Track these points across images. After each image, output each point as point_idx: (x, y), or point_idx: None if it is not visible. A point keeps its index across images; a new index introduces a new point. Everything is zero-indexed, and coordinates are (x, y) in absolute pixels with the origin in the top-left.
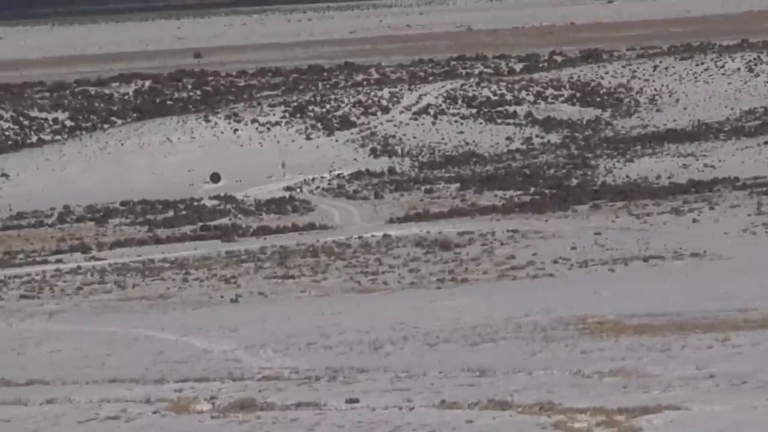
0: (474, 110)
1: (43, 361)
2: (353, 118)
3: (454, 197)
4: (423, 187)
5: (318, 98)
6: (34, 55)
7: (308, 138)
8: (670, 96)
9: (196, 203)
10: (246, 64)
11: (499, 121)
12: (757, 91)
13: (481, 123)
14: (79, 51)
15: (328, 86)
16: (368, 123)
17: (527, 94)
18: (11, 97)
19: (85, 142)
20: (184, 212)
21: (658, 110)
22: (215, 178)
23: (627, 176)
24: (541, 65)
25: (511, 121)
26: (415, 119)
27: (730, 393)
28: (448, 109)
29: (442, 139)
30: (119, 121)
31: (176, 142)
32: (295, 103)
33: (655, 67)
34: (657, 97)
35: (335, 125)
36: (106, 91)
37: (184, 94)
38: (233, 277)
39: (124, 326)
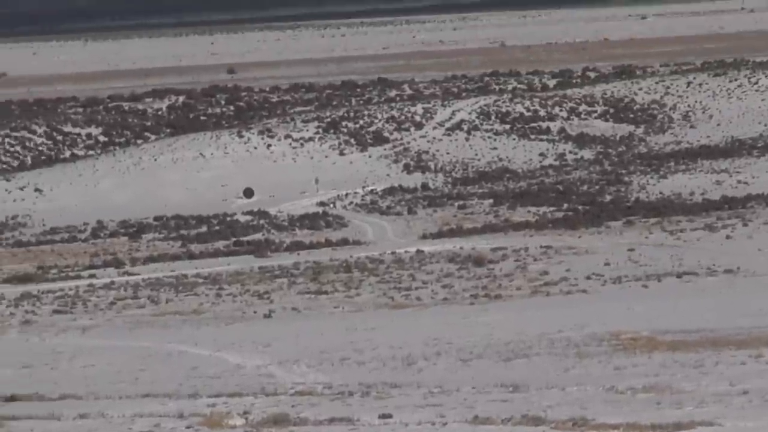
0: (507, 126)
1: (76, 376)
2: (386, 134)
3: (487, 213)
4: (456, 203)
5: (351, 114)
6: (68, 70)
7: (341, 154)
8: (703, 112)
9: (229, 219)
10: (279, 80)
11: (532, 137)
12: None
13: (514, 139)
14: (113, 66)
15: (361, 102)
16: (401, 139)
17: (560, 110)
18: (45, 113)
19: (118, 157)
20: (217, 227)
21: (691, 126)
22: (248, 193)
23: (660, 192)
24: (574, 81)
25: (545, 137)
26: (449, 135)
27: (763, 409)
28: (482, 125)
29: (476, 155)
30: (153, 137)
31: (209, 158)
32: (329, 119)
33: (689, 83)
34: (690, 114)
35: (368, 141)
36: (140, 106)
37: (218, 110)
38: (266, 293)
39: (157, 341)
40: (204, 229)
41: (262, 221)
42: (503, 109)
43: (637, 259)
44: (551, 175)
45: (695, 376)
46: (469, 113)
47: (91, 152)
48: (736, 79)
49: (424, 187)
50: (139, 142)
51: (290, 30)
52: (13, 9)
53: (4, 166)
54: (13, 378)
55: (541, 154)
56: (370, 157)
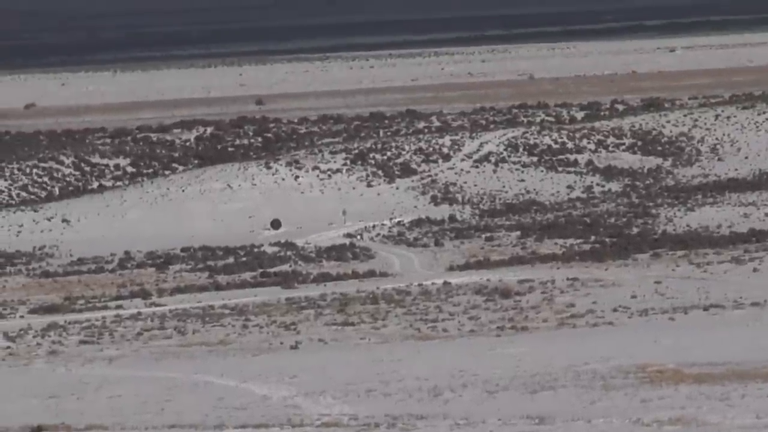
0: (535, 158)
1: (102, 407)
2: (414, 166)
3: (514, 245)
4: (483, 235)
5: (379, 145)
6: (97, 101)
7: (369, 185)
8: (731, 145)
9: (256, 250)
10: (308, 111)
11: (560, 169)
12: None
13: (542, 171)
14: (141, 97)
15: (389, 133)
16: (429, 170)
17: (588, 143)
18: (73, 143)
19: (146, 188)
20: (244, 259)
21: (719, 159)
22: (276, 224)
23: (688, 225)
24: (602, 114)
25: (572, 169)
26: (476, 167)
27: None
28: (510, 157)
29: (503, 186)
30: (180, 168)
31: (237, 189)
32: (356, 151)
33: (717, 116)
34: (718, 146)
35: (396, 173)
36: (168, 137)
37: (246, 141)
38: (293, 324)
39: (183, 372)
40: (231, 260)
41: (289, 253)
42: (531, 142)
43: (664, 292)
44: (578, 208)
45: (721, 408)
46: (497, 145)
47: (118, 183)
48: (764, 112)
49: (452, 219)
50: (166, 173)
51: (319, 61)
52: (42, 40)
53: (32, 196)
54: (39, 408)
55: (568, 187)
56: (397, 188)
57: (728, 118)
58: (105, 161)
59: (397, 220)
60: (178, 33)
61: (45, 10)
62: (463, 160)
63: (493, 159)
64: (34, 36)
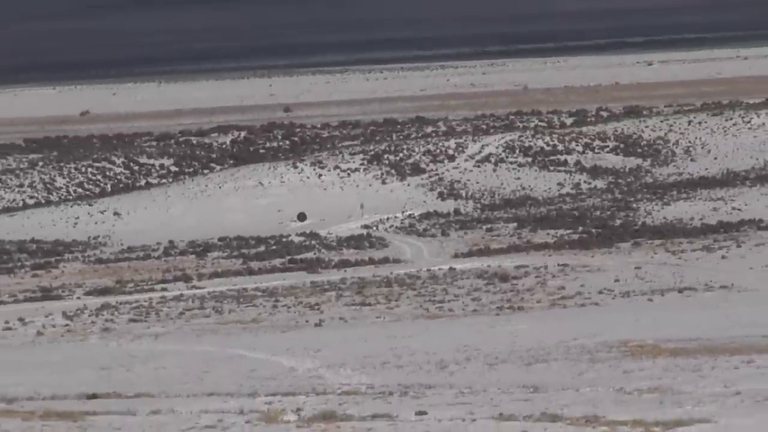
0: (530, 159)
1: (149, 377)
2: (423, 165)
3: (511, 235)
4: (484, 226)
5: (392, 148)
6: (144, 108)
7: (383, 183)
8: (702, 147)
9: (284, 239)
10: (329, 118)
11: (551, 168)
12: None
13: (535, 170)
14: (183, 105)
15: (401, 137)
16: (436, 170)
17: (576, 145)
18: (123, 146)
19: (187, 185)
20: (274, 247)
21: (692, 160)
22: (302, 217)
23: (664, 218)
24: (588, 120)
25: (562, 168)
26: (478, 166)
27: (754, 408)
28: (507, 157)
29: (501, 184)
30: (218, 167)
31: (267, 186)
32: (372, 152)
33: (690, 121)
34: (691, 149)
35: (407, 171)
36: (206, 140)
37: (275, 144)
38: (317, 304)
39: (220, 347)
40: (262, 248)
41: (313, 242)
42: (526, 144)
43: (643, 276)
44: (568, 202)
45: (694, 379)
46: (496, 147)
47: (163, 181)
48: (731, 119)
49: (456, 212)
50: (205, 171)
51: (339, 74)
52: (95, 56)
53: (87, 192)
54: (93, 378)
55: (559, 184)
56: (408, 185)
57: (699, 123)
58: (151, 161)
59: (408, 213)
60: (214, 48)
61: (97, 30)
62: (466, 160)
63: (492, 159)
64: (88, 52)
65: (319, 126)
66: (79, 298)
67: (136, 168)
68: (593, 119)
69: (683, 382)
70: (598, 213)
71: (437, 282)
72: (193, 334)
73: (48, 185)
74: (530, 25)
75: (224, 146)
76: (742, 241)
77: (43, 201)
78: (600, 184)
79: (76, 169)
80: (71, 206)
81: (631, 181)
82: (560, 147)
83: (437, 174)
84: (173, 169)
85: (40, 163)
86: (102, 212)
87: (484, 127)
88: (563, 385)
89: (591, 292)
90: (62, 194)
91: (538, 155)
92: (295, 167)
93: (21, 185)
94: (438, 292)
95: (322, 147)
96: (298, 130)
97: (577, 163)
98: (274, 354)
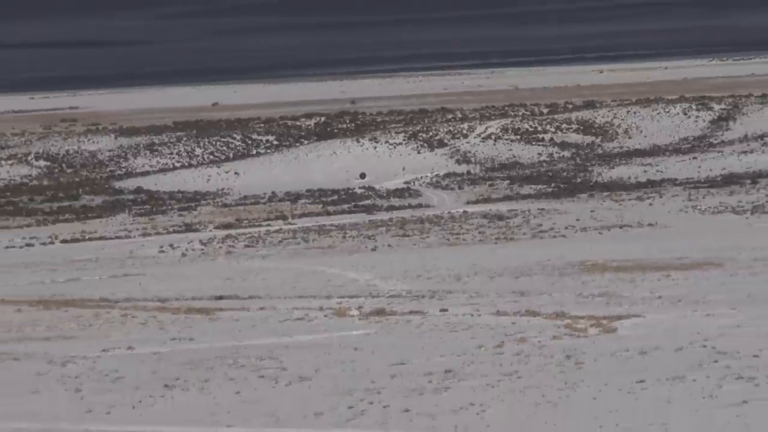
0: (518, 137)
1: (258, 284)
2: (445, 141)
3: (505, 189)
4: (487, 183)
5: (424, 129)
6: (255, 101)
7: (419, 152)
8: (636, 129)
9: (350, 191)
10: (381, 108)
11: (533, 143)
12: (689, 127)
13: (522, 144)
14: (281, 99)
15: (430, 121)
16: (455, 144)
17: (550, 127)
18: (241, 127)
19: (284, 154)
20: (343, 196)
21: (629, 137)
22: (362, 176)
23: (610, 177)
24: (559, 110)
25: (540, 143)
26: (483, 142)
27: (670, 308)
28: (503, 136)
29: (499, 154)
30: (305, 142)
31: (339, 155)
32: (411, 132)
33: (628, 111)
34: (629, 130)
35: (435, 145)
36: (297, 123)
37: (344, 126)
38: (373, 236)
39: (307, 264)
40: (335, 197)
41: (370, 193)
42: (516, 127)
43: (596, 217)
44: (544, 166)
45: (629, 287)
46: (496, 129)
47: (268, 151)
48: (656, 109)
49: (468, 173)
50: (297, 145)
51: (388, 78)
52: (223, 65)
53: (216, 158)
54: (220, 286)
55: (538, 154)
56: (435, 155)
57: (635, 113)
58: (260, 137)
59: (435, 173)
60: (302, 60)
61: (221, 48)
62: (475, 137)
63: (493, 137)
64: (216, 62)
65: (374, 113)
66: (210, 230)
67: (250, 142)
68: (562, 109)
69: (622, 290)
70: (564, 174)
71: (455, 221)
72: (288, 255)
73: (189, 153)
74: (519, 45)
75: (309, 127)
76: (663, 193)
77: (186, 164)
78: (566, 154)
79: (208, 142)
80: (205, 168)
81: (587, 152)
82: (539, 128)
83: (455, 147)
84: (275, 143)
85: (184, 138)
86: (226, 172)
87: (488, 114)
88: (540, 291)
89: (560, 228)
90: (199, 159)
91: (524, 134)
92: (358, 142)
93: (171, 153)
94: (455, 227)
95: (377, 128)
96: (360, 116)
97: (551, 139)
98: (344, 269)
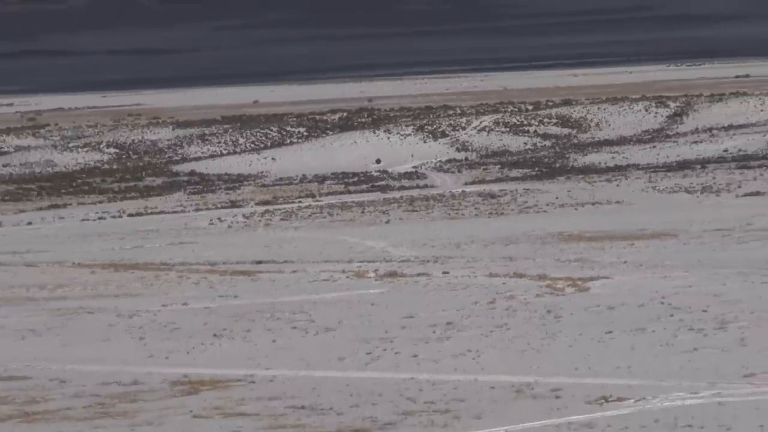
0: (508, 129)
1: (291, 251)
2: (447, 132)
3: (497, 172)
4: (481, 167)
5: (429, 122)
6: (289, 99)
7: (424, 142)
8: (606, 123)
9: (368, 174)
10: (394, 105)
11: (520, 134)
12: (650, 121)
13: (511, 134)
14: (310, 98)
15: (434, 116)
16: (455, 135)
17: (534, 121)
18: (277, 120)
19: (313, 143)
20: (362, 178)
21: (600, 129)
22: (378, 161)
23: (584, 163)
24: (542, 106)
25: (526, 134)
26: (478, 133)
27: (633, 271)
28: (495, 128)
29: (491, 143)
30: (331, 133)
31: (359, 144)
32: (418, 125)
33: (599, 108)
34: (600, 123)
35: (438, 136)
36: (324, 117)
37: (363, 120)
38: (386, 210)
39: (331, 234)
40: (355, 179)
41: (384, 175)
42: (506, 120)
43: (572, 196)
44: (529, 153)
45: (600, 254)
46: (489, 122)
47: (299, 140)
48: (622, 107)
49: (466, 159)
50: (323, 135)
51: (399, 80)
52: (263, 69)
53: (256, 146)
54: (260, 252)
55: (524, 143)
56: (438, 144)
57: (605, 109)
58: (293, 129)
59: (438, 159)
60: (330, 65)
61: (264, 55)
62: (472, 129)
63: (486, 129)
64: (258, 66)
65: (388, 110)
66: (251, 206)
67: (284, 133)
68: (544, 106)
69: (594, 256)
70: (546, 160)
71: (454, 198)
72: (315, 227)
73: (234, 142)
74: (509, 53)
75: (334, 121)
76: (628, 176)
77: (231, 151)
78: (547, 143)
79: (250, 133)
80: (247, 154)
81: (565, 142)
82: (525, 122)
83: (455, 137)
84: (305, 133)
85: (230, 130)
86: (265, 158)
87: (482, 110)
88: (526, 256)
89: (542, 204)
90: (242, 147)
91: (513, 127)
92: (374, 133)
93: (219, 142)
94: (455, 204)
95: (390, 121)
96: (376, 112)
97: (535, 131)
98: (362, 238)
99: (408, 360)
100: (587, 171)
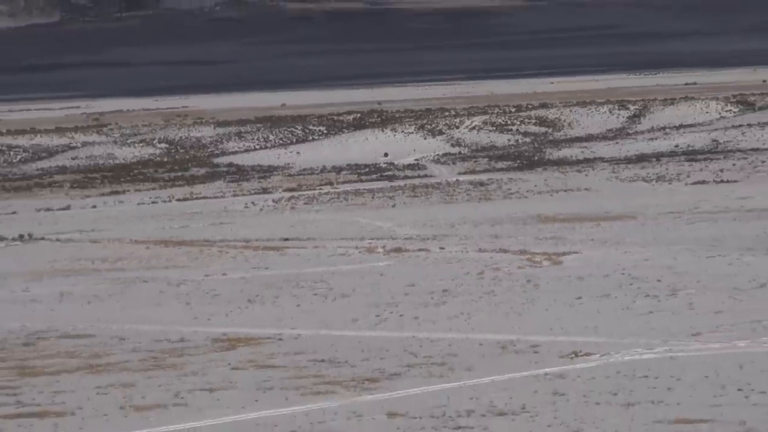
0: (495, 128)
1: (313, 230)
2: (444, 131)
3: (486, 164)
4: (473, 160)
5: (429, 122)
6: (311, 102)
7: (425, 138)
8: (577, 122)
9: (377, 165)
10: (399, 107)
11: (505, 132)
12: (613, 121)
13: (498, 133)
14: (328, 102)
15: (433, 117)
16: (450, 133)
17: (517, 121)
18: (301, 120)
19: (331, 140)
20: (372, 169)
21: (572, 128)
22: (386, 155)
23: (558, 156)
24: (523, 109)
25: (510, 132)
26: (470, 131)
27: (601, 247)
28: (483, 127)
29: (481, 140)
30: (346, 131)
31: (370, 140)
32: (420, 124)
33: (571, 110)
34: (572, 123)
35: (436, 133)
36: (341, 118)
37: (373, 120)
38: (392, 196)
39: (347, 217)
40: (366, 170)
41: (391, 167)
42: (493, 121)
43: (549, 184)
44: (513, 148)
45: (572, 232)
46: (479, 122)
47: (320, 137)
48: (591, 109)
49: (459, 153)
50: (340, 133)
51: (404, 87)
52: (286, 77)
53: (283, 142)
54: (286, 231)
55: (508, 139)
56: (436, 140)
57: (576, 111)
58: (314, 128)
59: (436, 153)
60: (345, 74)
61: (293, 66)
62: (464, 128)
63: (477, 128)
64: (284, 75)
65: (394, 111)
66: (279, 192)
67: (307, 131)
68: (525, 109)
69: (566, 234)
70: (526, 153)
71: (450, 186)
72: (334, 210)
73: (265, 139)
74: (497, 63)
75: (349, 121)
76: (594, 167)
77: (263, 146)
78: (527, 140)
79: (278, 131)
80: (276, 149)
81: (542, 138)
82: (509, 122)
83: (450, 135)
84: (325, 131)
85: (262, 128)
86: (291, 152)
87: (473, 112)
88: (508, 235)
89: (523, 191)
90: (272, 143)
91: (499, 126)
92: (383, 131)
93: (252, 139)
94: (450, 190)
95: (396, 121)
96: (384, 113)
97: (517, 129)
98: (373, 220)
99: (410, 321)
100: (561, 163)
